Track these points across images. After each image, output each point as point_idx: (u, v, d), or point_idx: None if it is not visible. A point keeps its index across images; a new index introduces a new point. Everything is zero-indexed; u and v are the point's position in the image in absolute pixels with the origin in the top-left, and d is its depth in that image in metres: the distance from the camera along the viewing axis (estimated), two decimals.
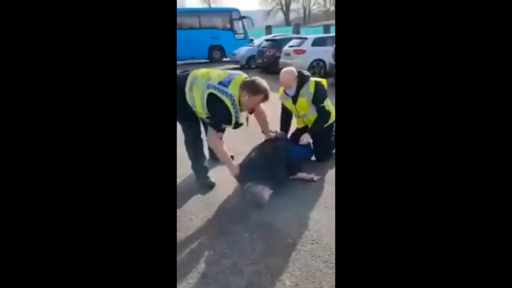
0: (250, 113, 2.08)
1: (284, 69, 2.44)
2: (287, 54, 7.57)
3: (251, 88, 1.86)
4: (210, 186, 2.13)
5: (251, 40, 12.36)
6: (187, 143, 2.12)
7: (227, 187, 2.12)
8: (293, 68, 2.44)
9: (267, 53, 8.62)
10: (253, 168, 1.99)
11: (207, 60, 13.06)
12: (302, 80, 2.39)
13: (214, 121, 1.90)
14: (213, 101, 1.84)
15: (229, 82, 1.87)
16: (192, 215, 1.82)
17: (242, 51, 10.55)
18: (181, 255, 1.46)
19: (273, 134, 2.29)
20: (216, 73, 1.96)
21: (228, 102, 1.82)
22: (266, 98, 1.92)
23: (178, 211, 1.85)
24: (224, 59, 12.82)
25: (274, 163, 2.04)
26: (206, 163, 2.20)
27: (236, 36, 13.22)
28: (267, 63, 8.56)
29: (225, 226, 1.70)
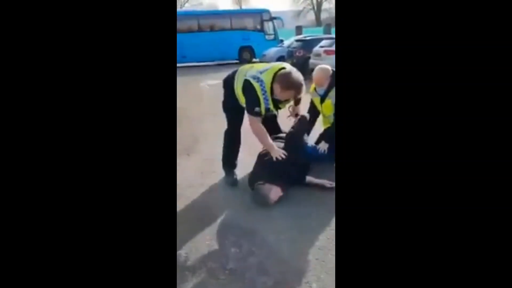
0: (296, 103, 2.14)
1: (319, 66, 2.41)
2: (318, 55, 7.48)
3: (284, 81, 1.87)
4: (233, 184, 2.16)
5: (281, 41, 12.35)
6: (225, 133, 2.20)
7: None
8: (328, 67, 2.39)
9: (297, 53, 8.56)
10: (264, 166, 1.95)
11: (237, 61, 13.25)
12: (334, 81, 2.32)
13: (247, 106, 1.96)
14: (246, 86, 1.91)
15: (266, 70, 1.92)
16: None
17: (272, 52, 10.57)
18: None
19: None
20: (262, 64, 2.05)
21: (257, 87, 1.86)
22: (298, 93, 1.93)
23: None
24: (254, 60, 12.92)
25: (287, 161, 1.95)
26: (236, 160, 2.24)
27: (266, 37, 13.28)
28: (297, 64, 8.48)
29: None
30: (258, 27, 13.49)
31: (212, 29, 13.45)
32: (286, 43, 10.85)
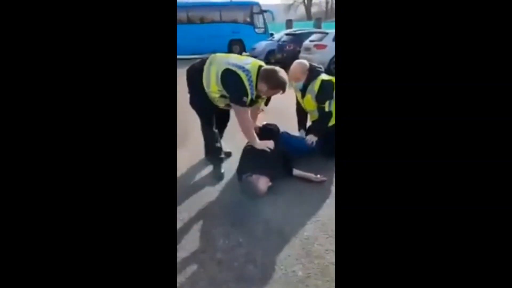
0: (266, 104, 2.14)
1: (296, 61, 2.38)
2: (308, 49, 7.47)
3: (271, 80, 1.87)
4: (220, 178, 2.13)
5: (271, 35, 12.27)
6: (202, 130, 2.16)
7: None
8: (305, 61, 2.35)
9: (287, 47, 8.54)
10: (250, 159, 1.96)
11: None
12: (311, 75, 2.28)
13: (232, 95, 1.89)
14: (228, 75, 1.84)
15: (248, 62, 1.90)
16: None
17: (262, 45, 10.50)
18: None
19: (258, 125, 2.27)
20: (236, 55, 2.01)
21: (243, 76, 1.82)
22: (283, 91, 1.94)
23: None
24: (244, 54, 12.82)
25: (273, 153, 1.97)
26: (222, 154, 2.21)
27: (256, 30, 13.16)
28: (287, 58, 8.47)
29: None
30: (248, 20, 13.35)
31: (201, 21, 13.23)
32: (276, 36, 10.81)
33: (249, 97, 1.86)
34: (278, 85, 1.89)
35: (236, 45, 13.19)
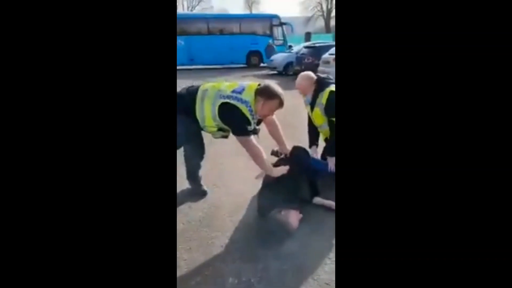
0: (257, 123, 1.99)
1: (302, 73, 2.24)
2: (327, 62, 7.38)
3: (266, 93, 1.78)
4: (203, 194, 2.14)
5: (290, 47, 12.30)
6: (187, 158, 2.12)
7: None
8: (311, 73, 2.21)
9: (306, 60, 8.48)
10: (274, 191, 1.74)
11: (245, 65, 13.21)
12: (319, 87, 2.13)
13: (236, 129, 1.80)
14: (228, 110, 1.75)
15: (243, 89, 1.79)
16: None
17: (280, 57, 10.51)
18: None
19: (288, 149, 2.09)
20: (226, 84, 1.91)
21: (244, 108, 1.73)
22: (281, 103, 1.82)
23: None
24: (262, 65, 12.88)
25: (298, 182, 1.81)
26: (200, 174, 2.19)
27: (275, 42, 13.25)
28: (305, 70, 8.41)
29: None
30: (268, 32, 13.48)
31: (221, 32, 13.46)
32: (295, 49, 10.80)
33: (252, 126, 1.80)
34: (274, 96, 1.79)
35: (255, 57, 13.30)
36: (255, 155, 1.81)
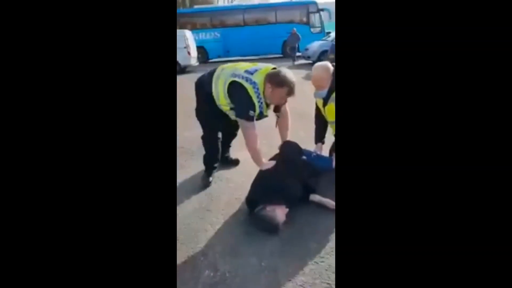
0: (275, 110, 1.91)
1: (318, 64, 2.05)
2: None
3: (274, 79, 1.69)
4: (205, 186, 2.11)
5: (328, 33, 11.77)
6: (203, 140, 2.10)
7: None
8: (328, 64, 2.00)
9: None
10: (263, 185, 1.71)
11: (281, 55, 12.99)
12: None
13: (237, 109, 1.77)
14: (235, 88, 1.72)
15: (256, 70, 1.74)
16: None
17: (315, 46, 10.13)
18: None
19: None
20: (244, 64, 1.87)
21: (250, 89, 1.68)
22: (291, 92, 1.72)
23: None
24: (297, 54, 12.57)
25: (286, 178, 1.72)
26: (216, 163, 2.16)
27: (312, 30, 12.81)
28: None
29: None
30: (304, 19, 13.04)
31: (257, 23, 13.35)
32: (332, 35, 10.31)
33: (257, 110, 1.72)
34: (283, 84, 1.69)
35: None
36: (248, 143, 1.79)
